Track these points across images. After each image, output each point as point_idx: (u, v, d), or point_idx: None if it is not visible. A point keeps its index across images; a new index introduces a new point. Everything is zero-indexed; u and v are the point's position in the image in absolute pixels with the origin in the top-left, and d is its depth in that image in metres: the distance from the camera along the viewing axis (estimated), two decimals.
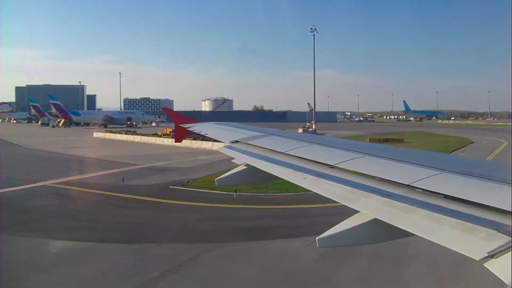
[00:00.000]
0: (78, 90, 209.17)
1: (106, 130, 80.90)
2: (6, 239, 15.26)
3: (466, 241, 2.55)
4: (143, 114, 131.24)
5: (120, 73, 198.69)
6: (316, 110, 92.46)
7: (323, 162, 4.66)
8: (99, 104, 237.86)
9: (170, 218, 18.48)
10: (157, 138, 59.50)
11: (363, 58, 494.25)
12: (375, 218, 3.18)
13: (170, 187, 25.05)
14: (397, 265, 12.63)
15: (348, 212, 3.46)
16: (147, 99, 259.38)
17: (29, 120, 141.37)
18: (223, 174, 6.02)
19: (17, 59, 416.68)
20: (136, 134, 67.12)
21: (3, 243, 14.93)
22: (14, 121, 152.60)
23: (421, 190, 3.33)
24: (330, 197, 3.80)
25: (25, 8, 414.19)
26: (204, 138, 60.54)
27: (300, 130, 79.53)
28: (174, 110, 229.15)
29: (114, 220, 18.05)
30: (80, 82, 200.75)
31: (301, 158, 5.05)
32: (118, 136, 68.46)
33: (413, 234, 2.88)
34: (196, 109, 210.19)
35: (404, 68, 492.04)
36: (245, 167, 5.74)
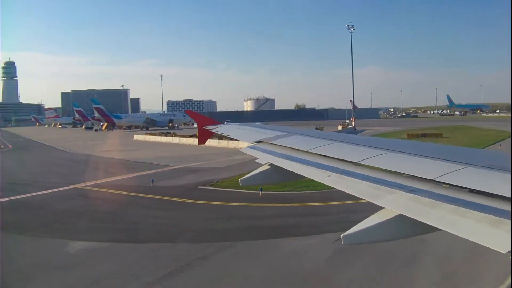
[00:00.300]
0: (122, 94, 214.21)
1: (146, 133, 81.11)
2: (29, 240, 16.00)
3: (493, 234, 2.56)
4: (184, 115, 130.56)
5: (161, 76, 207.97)
6: (359, 107, 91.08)
7: (346, 159, 4.69)
8: (143, 107, 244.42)
9: (191, 218, 18.66)
10: (195, 139, 58.82)
11: (407, 54, 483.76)
12: (400, 214, 3.20)
13: (198, 187, 25.15)
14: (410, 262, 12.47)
15: (373, 209, 3.49)
16: (190, 100, 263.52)
17: (74, 125, 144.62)
18: (247, 174, 6.13)
19: (63, 65, 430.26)
20: (175, 136, 66.99)
21: (22, 243, 15.65)
22: (60, 126, 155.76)
23: (448, 185, 3.34)
24: (354, 194, 3.84)
25: (70, 17, 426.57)
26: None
27: (339, 128, 78.46)
28: (217, 111, 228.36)
29: (135, 221, 18.35)
30: (122, 86, 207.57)
31: (325, 156, 5.09)
32: (158, 138, 68.80)
33: (438, 229, 2.90)
34: (238, 109, 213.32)
35: (448, 62, 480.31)
36: (269, 166, 5.82)
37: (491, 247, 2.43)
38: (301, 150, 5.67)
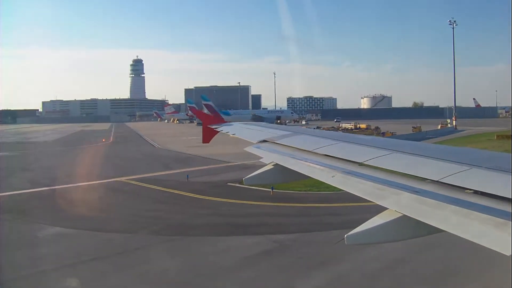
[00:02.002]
0: (243, 90, 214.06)
1: None
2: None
3: (497, 237, 2.54)
4: (292, 112, 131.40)
5: (274, 73, 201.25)
6: (482, 105, 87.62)
7: (351, 159, 4.68)
8: (264, 103, 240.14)
9: (179, 212, 19.44)
10: None
11: None
12: (404, 215, 3.19)
13: (228, 184, 24.99)
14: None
15: (377, 210, 3.48)
16: (311, 97, 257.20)
17: (190, 121, 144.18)
18: (252, 173, 6.11)
19: (188, 62, 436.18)
20: None
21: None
22: (177, 122, 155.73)
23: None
24: (358, 195, 3.83)
25: (193, 14, 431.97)
26: None
27: (438, 127, 76.42)
28: (338, 108, 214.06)
29: (132, 213, 19.48)
30: (239, 82, 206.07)
31: (329, 156, 5.08)
32: None
33: (442, 231, 2.88)
34: (354, 107, 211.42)
35: None
36: (273, 166, 5.82)
37: (495, 249, 2.42)
38: (306, 150, 5.66)
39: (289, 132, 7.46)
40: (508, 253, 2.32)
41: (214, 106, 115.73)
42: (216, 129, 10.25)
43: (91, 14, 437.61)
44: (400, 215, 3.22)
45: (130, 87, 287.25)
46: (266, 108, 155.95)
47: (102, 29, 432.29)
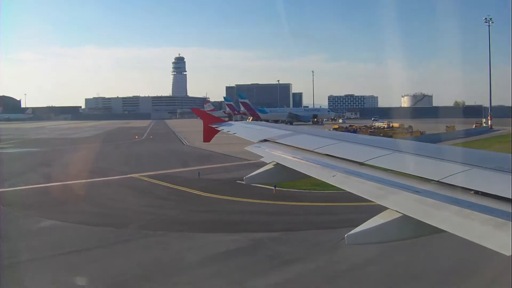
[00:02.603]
0: (283, 88, 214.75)
1: None
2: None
3: (498, 237, 2.54)
4: (328, 111, 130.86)
5: (313, 72, 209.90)
6: None
7: (352, 159, 4.68)
8: (306, 102, 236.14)
9: (175, 208, 19.94)
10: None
11: None
12: (405, 215, 3.19)
13: (237, 181, 24.61)
14: None
15: (378, 210, 3.48)
16: (352, 95, 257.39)
17: (229, 118, 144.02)
18: (253, 172, 6.11)
19: (230, 60, 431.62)
20: None
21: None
22: None
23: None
24: (359, 194, 3.83)
25: (237, 12, 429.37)
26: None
27: (473, 126, 75.37)
28: (378, 107, 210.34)
29: (127, 208, 20.28)
30: (278, 80, 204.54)
31: (330, 155, 5.08)
32: None
33: (442, 231, 2.88)
34: (395, 105, 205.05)
35: None
36: (274, 165, 5.81)
37: (495, 249, 2.42)
38: (307, 150, 5.66)
39: (290, 131, 7.45)
40: (508, 253, 2.32)
41: (250, 104, 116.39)
42: (217, 129, 10.25)
43: (135, 13, 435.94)
44: (401, 215, 3.21)
45: (172, 84, 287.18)
46: (307, 107, 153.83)
47: (148, 29, 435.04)
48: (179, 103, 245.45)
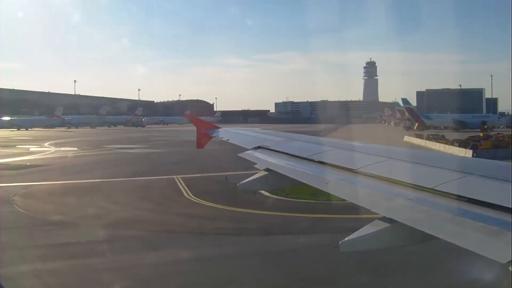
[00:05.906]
0: (475, 93, 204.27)
1: (416, 135, 65.34)
2: None
3: (491, 244, 2.54)
4: (499, 117, 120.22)
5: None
6: None
7: (345, 166, 4.67)
8: (502, 107, 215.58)
9: (162, 212, 20.19)
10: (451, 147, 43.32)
11: None
12: (399, 222, 3.17)
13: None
14: None
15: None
16: None
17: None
18: (246, 179, 6.08)
19: (426, 63, 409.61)
20: (447, 143, 47.22)
21: None
22: (393, 124, 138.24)
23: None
24: (352, 201, 3.82)
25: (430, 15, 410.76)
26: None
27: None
28: None
29: (126, 202, 21.12)
30: (460, 85, 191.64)
31: (324, 162, 5.07)
32: (423, 143, 52.67)
33: (436, 238, 2.88)
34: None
35: None
36: (267, 172, 5.79)
37: (489, 257, 2.42)
38: (300, 157, 5.65)
39: (283, 138, 7.45)
40: (502, 261, 2.31)
41: (415, 110, 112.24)
42: (211, 135, 10.19)
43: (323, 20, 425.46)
44: (395, 222, 3.20)
45: (363, 89, 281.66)
46: (504, 113, 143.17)
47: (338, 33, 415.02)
48: (367, 108, 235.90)
